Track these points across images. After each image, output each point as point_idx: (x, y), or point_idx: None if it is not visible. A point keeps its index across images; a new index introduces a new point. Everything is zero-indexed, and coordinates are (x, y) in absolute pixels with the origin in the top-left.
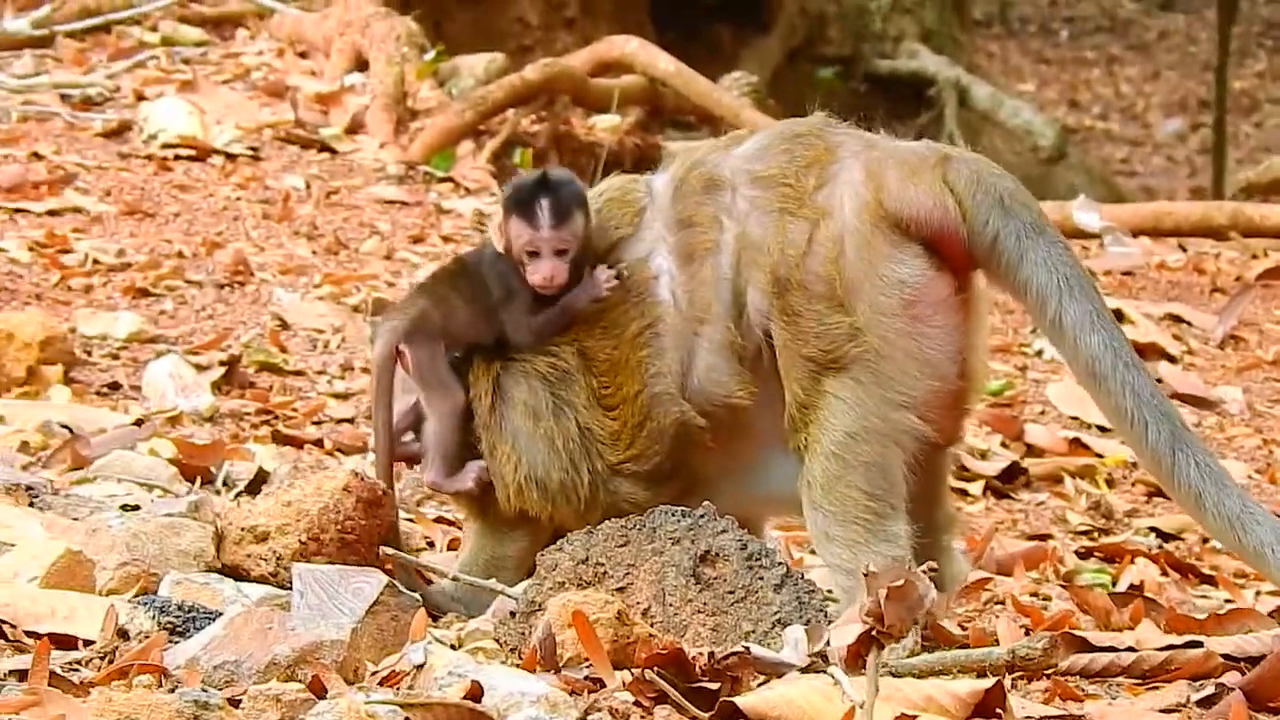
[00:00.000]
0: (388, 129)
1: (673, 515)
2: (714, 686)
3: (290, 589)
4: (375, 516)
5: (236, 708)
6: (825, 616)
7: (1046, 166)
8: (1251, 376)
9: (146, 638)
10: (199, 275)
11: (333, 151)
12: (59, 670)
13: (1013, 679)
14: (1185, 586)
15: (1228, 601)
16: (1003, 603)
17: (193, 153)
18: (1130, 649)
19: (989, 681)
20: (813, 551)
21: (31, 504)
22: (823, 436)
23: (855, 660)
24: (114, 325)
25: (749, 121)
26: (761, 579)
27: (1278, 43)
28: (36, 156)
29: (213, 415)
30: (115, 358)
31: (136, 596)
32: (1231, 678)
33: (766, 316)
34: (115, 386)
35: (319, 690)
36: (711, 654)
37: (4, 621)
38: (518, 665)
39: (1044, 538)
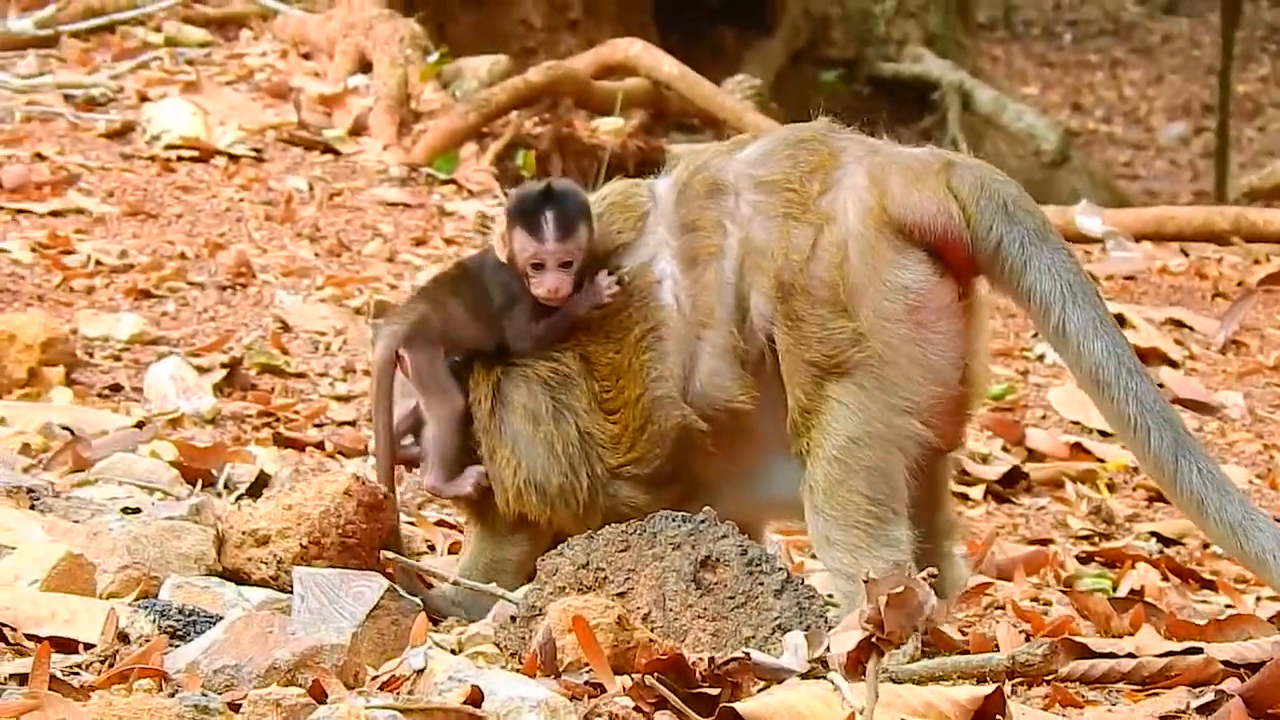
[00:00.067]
0: (391, 131)
1: (673, 520)
2: (714, 692)
3: (291, 592)
4: (376, 520)
5: (237, 712)
6: (825, 622)
7: (1049, 170)
8: (1253, 381)
9: (147, 641)
10: (201, 277)
11: (336, 153)
12: (59, 674)
13: (1013, 685)
14: (1186, 592)
15: (1228, 607)
16: (1003, 608)
17: (196, 154)
18: (1130, 655)
19: (989, 688)
20: (813, 556)
21: (32, 506)
22: (825, 441)
23: (855, 667)
24: (116, 327)
25: (752, 124)
26: (762, 584)
27: None
28: (40, 157)
29: (214, 417)
30: (117, 359)
31: (137, 600)
32: (1231, 684)
33: (770, 321)
34: (117, 388)
35: (319, 695)
36: (712, 659)
37: (4, 625)
38: (518, 670)
39: (1045, 542)
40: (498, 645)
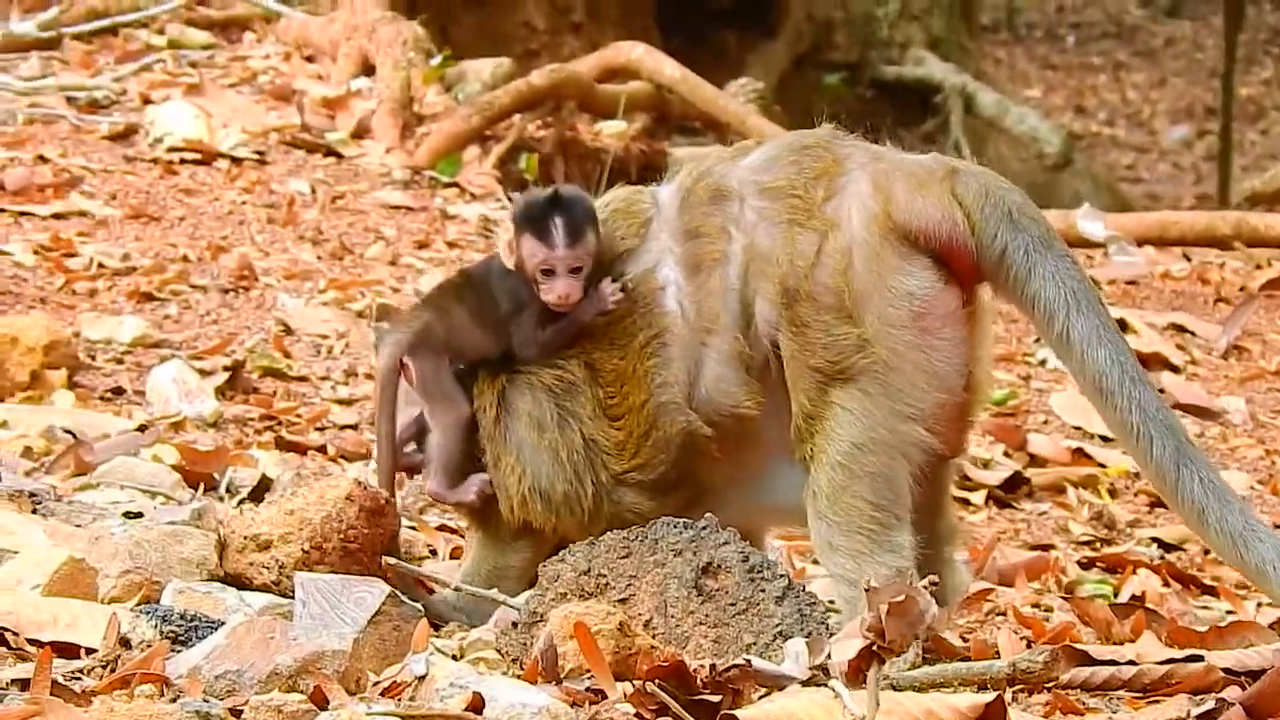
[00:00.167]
0: (394, 134)
1: (675, 527)
2: (715, 699)
3: (292, 598)
4: (378, 525)
5: (238, 718)
6: (826, 629)
7: (1052, 173)
8: (1254, 387)
9: (149, 647)
10: (204, 280)
11: (338, 156)
12: (61, 679)
13: (1013, 692)
14: (1187, 597)
15: (1229, 613)
16: (1004, 614)
17: (198, 156)
18: (1131, 662)
19: (990, 695)
20: (815, 561)
21: (34, 510)
22: (829, 447)
23: (856, 675)
24: (118, 330)
25: (755, 128)
26: (763, 591)
27: None
28: (42, 159)
29: (216, 421)
30: (119, 362)
31: (139, 605)
32: (1232, 692)
33: (774, 327)
34: (119, 391)
35: (321, 701)
36: (713, 666)
37: (6, 629)
38: (519, 676)
39: (1046, 548)
40: (499, 651)
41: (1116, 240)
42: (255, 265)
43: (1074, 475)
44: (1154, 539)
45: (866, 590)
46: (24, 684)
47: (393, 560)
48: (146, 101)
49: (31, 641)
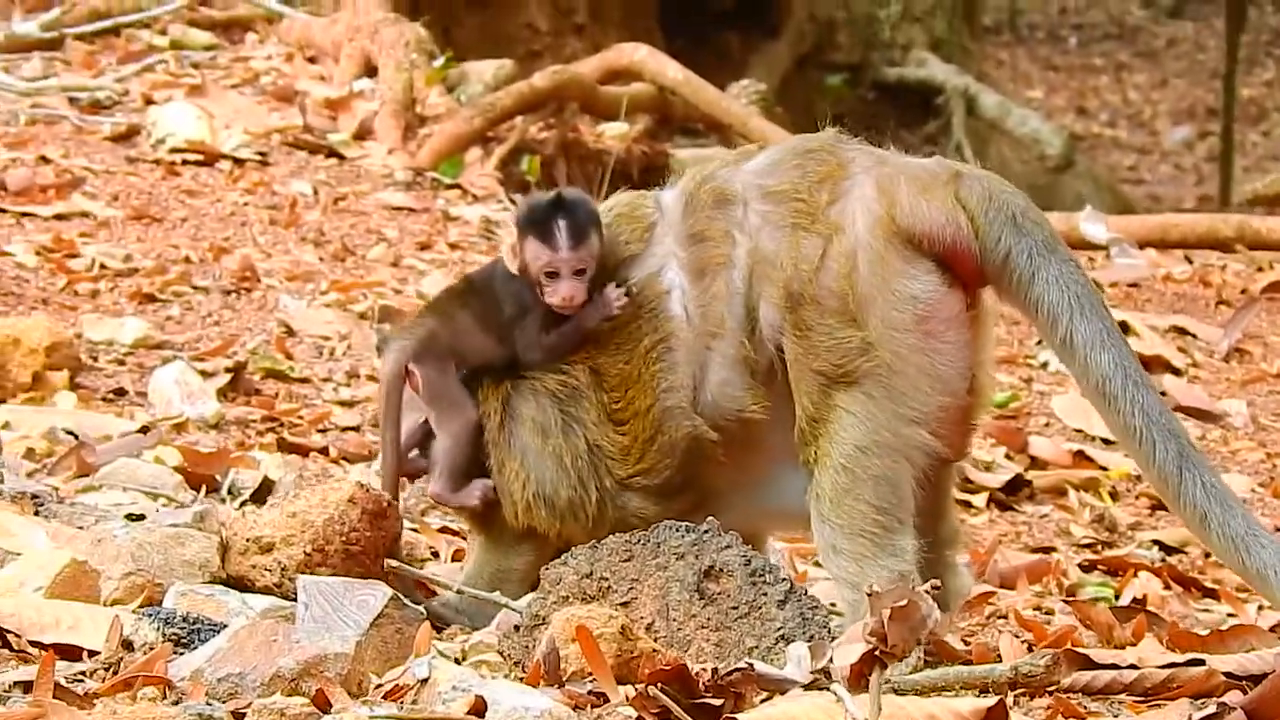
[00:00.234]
0: (396, 135)
1: (677, 530)
2: (717, 703)
3: (295, 600)
4: (380, 528)
5: None
6: (829, 633)
7: (1054, 175)
8: (1256, 390)
9: (151, 649)
10: (205, 281)
11: (341, 157)
12: (63, 681)
13: (1015, 696)
14: (1188, 600)
15: (1230, 616)
16: (1006, 617)
17: (200, 157)
18: (1132, 666)
19: (992, 700)
20: (817, 564)
21: (37, 512)
22: (833, 450)
23: (859, 679)
24: (120, 331)
25: (757, 129)
26: (765, 595)
27: None
28: (44, 160)
29: (218, 422)
30: (121, 363)
31: (141, 607)
32: (1234, 697)
33: (778, 331)
34: (121, 392)
35: (323, 704)
36: (715, 670)
37: (9, 631)
38: (521, 679)
39: (1047, 550)
40: (501, 654)
41: (1118, 242)
42: (257, 266)
43: (1075, 478)
44: (1155, 542)
45: (869, 595)
46: (27, 686)
47: (395, 563)
48: (149, 102)
49: (34, 644)
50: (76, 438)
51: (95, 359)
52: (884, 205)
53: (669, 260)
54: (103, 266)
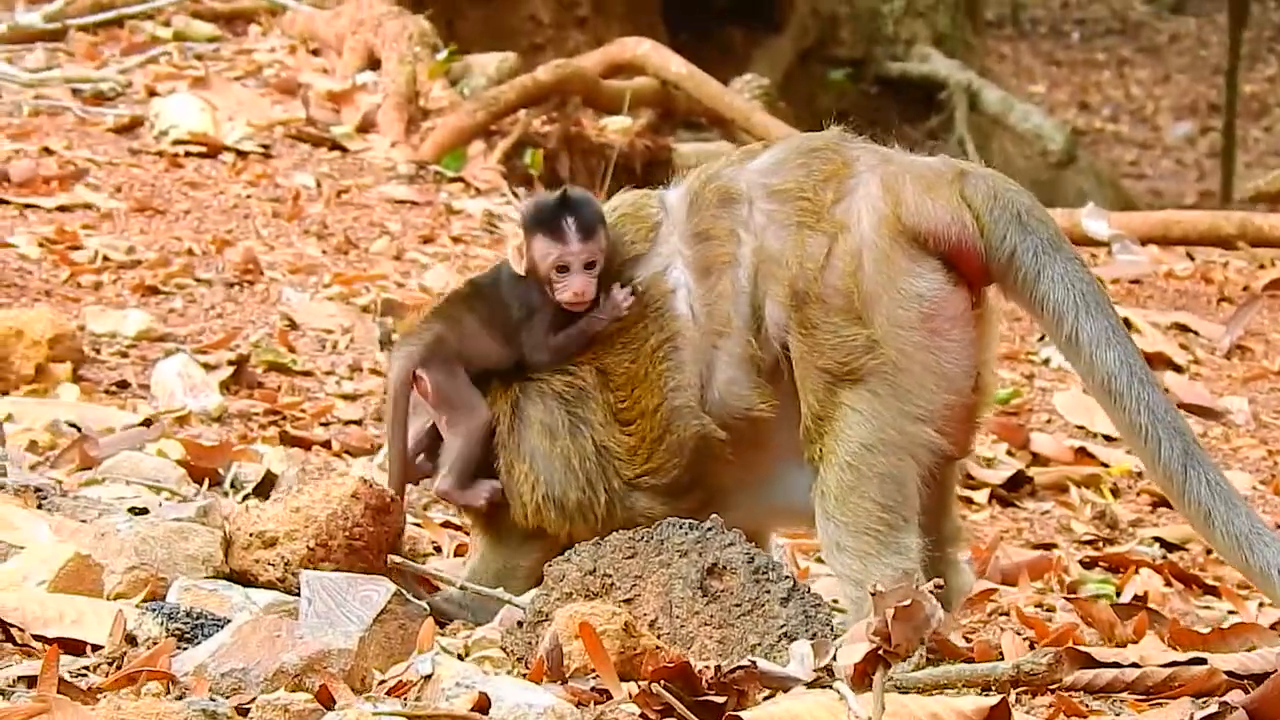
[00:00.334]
0: (399, 128)
1: (680, 528)
2: (720, 700)
3: (298, 595)
4: (383, 524)
5: (245, 717)
6: (831, 631)
7: (1056, 170)
8: (1257, 387)
9: (154, 644)
10: (208, 273)
11: (344, 150)
12: (67, 676)
13: (1017, 694)
14: (1189, 597)
15: (1231, 613)
16: (1007, 614)
17: (203, 149)
18: (1134, 665)
19: (994, 698)
20: (819, 560)
21: (40, 506)
22: (838, 448)
23: (862, 679)
24: (123, 323)
25: (760, 124)
26: (768, 592)
27: None
28: (47, 151)
29: (221, 415)
30: (124, 356)
31: (144, 602)
32: (1235, 696)
33: (784, 329)
34: (124, 385)
35: (327, 700)
36: (718, 667)
37: (12, 625)
38: (524, 675)
39: (1049, 547)
40: (504, 650)
41: (1120, 239)
42: (260, 259)
43: (1077, 474)
44: (1156, 539)
45: (873, 594)
46: (30, 681)
47: (398, 558)
48: (152, 94)
49: (37, 638)
50: (79, 430)
51: (98, 351)
52: (889, 204)
53: (674, 259)
54: (105, 258)
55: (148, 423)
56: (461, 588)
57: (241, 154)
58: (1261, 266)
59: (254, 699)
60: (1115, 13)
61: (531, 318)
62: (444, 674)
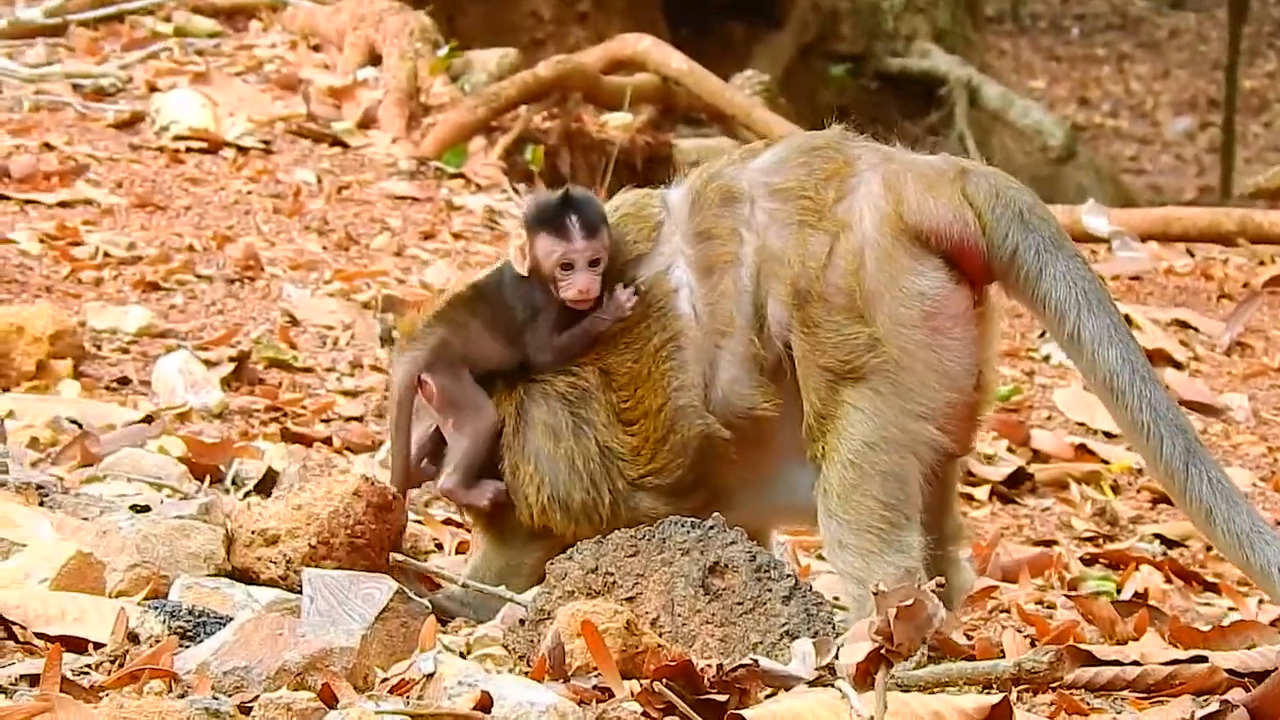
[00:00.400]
0: (400, 124)
1: (682, 526)
2: (722, 698)
3: (300, 593)
4: (385, 521)
5: (247, 715)
6: (833, 629)
7: (1055, 166)
8: (1257, 384)
9: (157, 642)
10: (209, 270)
11: (344, 146)
12: (69, 674)
13: (1018, 692)
14: (1189, 594)
15: (1231, 610)
16: (1008, 611)
17: (204, 145)
18: (1135, 663)
19: (996, 697)
20: (821, 557)
21: (41, 503)
22: (841, 446)
23: (864, 678)
24: (124, 319)
25: (760, 120)
26: (770, 590)
27: None
28: (48, 147)
29: (222, 412)
30: (125, 352)
31: (147, 600)
32: (1236, 694)
33: (786, 328)
34: (125, 381)
35: (330, 699)
36: (720, 665)
37: (14, 623)
38: (526, 673)
39: (1049, 543)
40: (506, 648)
41: (1120, 236)
42: (261, 255)
43: (1077, 471)
44: (1156, 535)
45: (875, 593)
46: (33, 679)
47: (400, 556)
48: (152, 89)
49: (39, 636)
50: (80, 427)
51: (99, 347)
52: (891, 202)
53: (676, 258)
54: (106, 254)
55: (149, 419)
56: (463, 585)
57: (242, 150)
58: (1261, 263)
59: (256, 697)
60: (1115, 8)
61: (535, 318)
62: (446, 672)
